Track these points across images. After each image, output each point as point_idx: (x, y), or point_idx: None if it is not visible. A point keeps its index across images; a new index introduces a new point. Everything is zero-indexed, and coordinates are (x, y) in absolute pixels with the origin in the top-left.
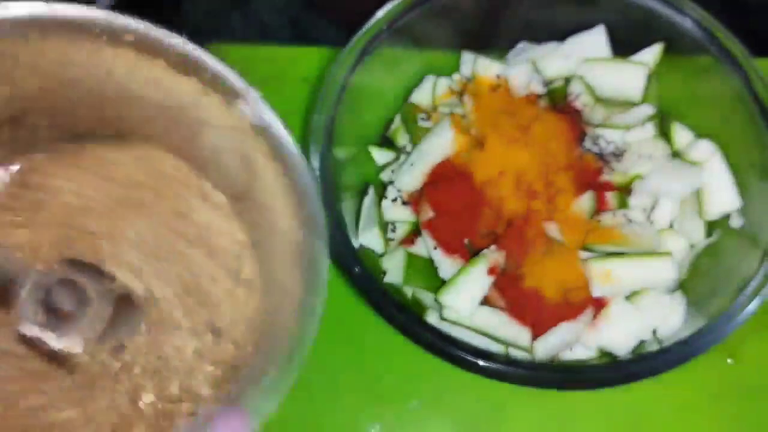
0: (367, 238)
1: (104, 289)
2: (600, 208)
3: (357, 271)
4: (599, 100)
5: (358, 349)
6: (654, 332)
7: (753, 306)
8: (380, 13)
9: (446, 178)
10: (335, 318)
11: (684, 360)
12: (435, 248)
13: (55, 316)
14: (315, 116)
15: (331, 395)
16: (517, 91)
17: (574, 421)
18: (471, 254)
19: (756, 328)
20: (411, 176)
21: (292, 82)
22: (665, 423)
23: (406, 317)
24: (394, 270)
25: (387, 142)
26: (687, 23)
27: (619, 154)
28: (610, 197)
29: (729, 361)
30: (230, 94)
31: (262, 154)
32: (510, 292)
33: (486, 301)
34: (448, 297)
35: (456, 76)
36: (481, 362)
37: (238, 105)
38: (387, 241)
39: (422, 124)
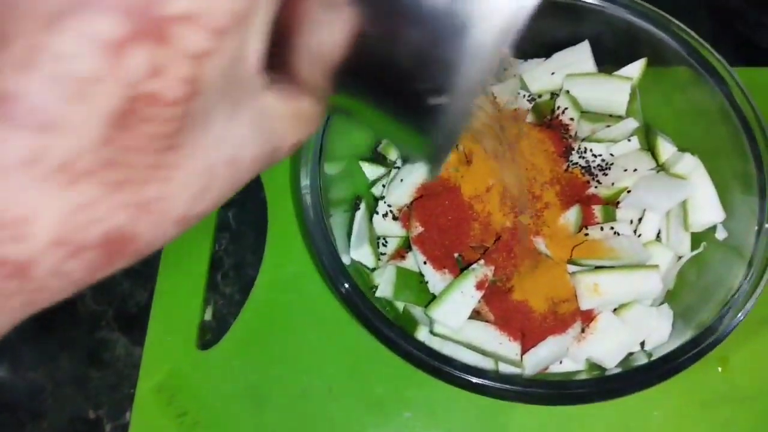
0: (359, 253)
1: None
2: (587, 221)
3: (346, 287)
4: (585, 114)
5: (352, 361)
6: (642, 344)
7: (739, 318)
8: None
9: (434, 194)
10: (329, 330)
11: (673, 373)
12: (425, 263)
13: None
14: None
15: (325, 406)
16: (504, 107)
17: (565, 430)
18: (460, 268)
19: (744, 337)
20: (401, 192)
21: None
22: (656, 431)
23: (394, 333)
24: (385, 285)
25: (378, 157)
26: (668, 37)
27: (605, 168)
28: (597, 211)
29: (718, 369)
30: None
31: None
32: (499, 306)
33: (476, 315)
34: (437, 312)
35: None
36: (469, 378)
37: None
38: (378, 255)
39: None
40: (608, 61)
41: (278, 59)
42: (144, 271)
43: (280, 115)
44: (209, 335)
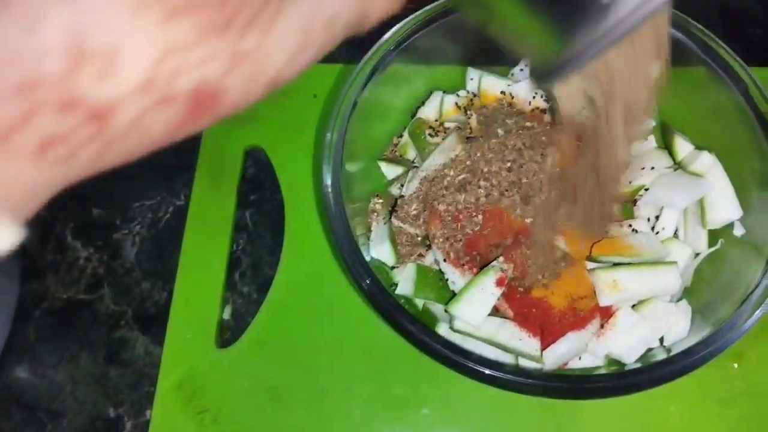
0: (379, 251)
1: None
2: None
3: (368, 283)
4: None
5: (369, 359)
6: (661, 340)
7: (758, 314)
8: (389, 34)
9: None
10: (346, 329)
11: (691, 368)
12: (444, 261)
13: None
14: (327, 135)
15: (345, 403)
16: (522, 107)
17: (582, 426)
18: (480, 266)
19: (760, 333)
20: None
21: (303, 97)
22: (672, 427)
23: (416, 328)
24: (405, 282)
25: (396, 157)
26: (684, 37)
27: None
28: (616, 208)
29: (735, 365)
30: None
31: None
32: (518, 302)
33: (495, 312)
34: (457, 308)
35: (462, 93)
36: (489, 372)
37: None
38: (398, 253)
39: (429, 140)
40: None
41: None
42: (163, 272)
43: None
44: (228, 334)
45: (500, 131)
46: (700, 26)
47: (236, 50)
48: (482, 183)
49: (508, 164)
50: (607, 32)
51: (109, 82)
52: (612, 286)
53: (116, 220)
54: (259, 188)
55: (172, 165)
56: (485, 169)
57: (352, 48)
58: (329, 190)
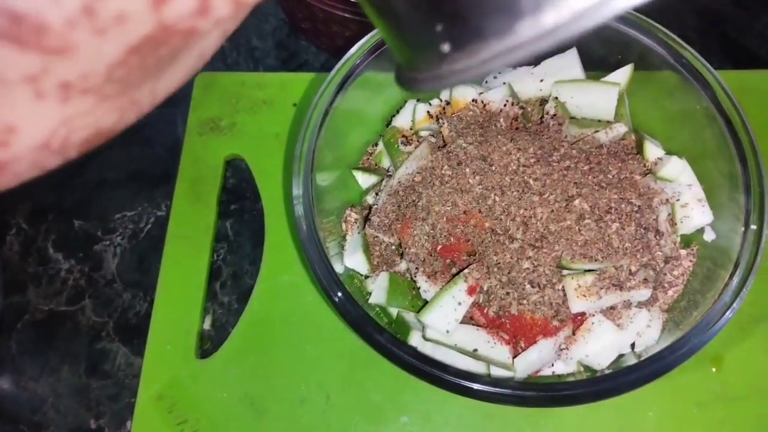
0: (353, 260)
1: None
2: None
3: (340, 297)
4: (573, 119)
5: (348, 368)
6: (632, 346)
7: (728, 315)
8: (362, 41)
9: None
10: (325, 338)
11: (663, 372)
12: (416, 269)
13: None
14: (297, 145)
15: (323, 414)
16: (494, 114)
17: None
18: (452, 275)
19: (738, 338)
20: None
21: (283, 107)
22: (652, 431)
23: (386, 340)
24: (378, 291)
25: (371, 166)
26: (654, 43)
27: None
28: None
29: (713, 370)
30: None
31: None
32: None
33: (468, 320)
34: (429, 317)
35: (435, 102)
36: (462, 383)
37: None
38: (372, 262)
39: (402, 148)
40: (596, 67)
41: None
42: (143, 283)
43: None
44: (208, 344)
45: (472, 139)
46: (668, 32)
47: (124, 103)
48: (454, 192)
49: (480, 174)
50: (456, 72)
51: (4, 150)
52: (583, 292)
53: (97, 231)
54: (239, 198)
55: (152, 176)
56: (456, 178)
57: (331, 57)
58: (299, 201)
